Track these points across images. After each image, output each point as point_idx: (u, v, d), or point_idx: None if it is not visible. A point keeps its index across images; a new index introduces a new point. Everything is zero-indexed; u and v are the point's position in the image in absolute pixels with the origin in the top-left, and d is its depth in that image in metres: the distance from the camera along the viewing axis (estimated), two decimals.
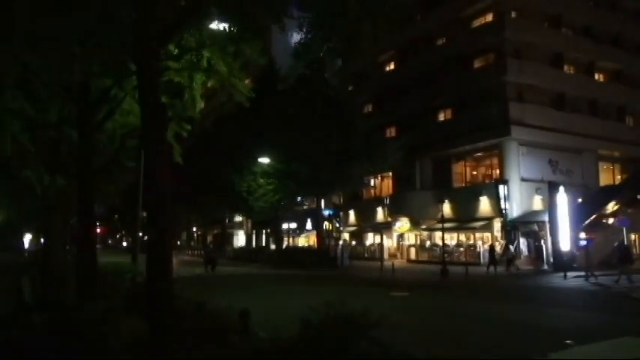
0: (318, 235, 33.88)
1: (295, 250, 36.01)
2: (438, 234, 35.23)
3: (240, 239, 62.56)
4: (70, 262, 14.90)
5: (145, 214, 10.23)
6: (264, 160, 31.94)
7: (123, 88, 10.81)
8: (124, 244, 78.10)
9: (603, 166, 34.99)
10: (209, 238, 60.54)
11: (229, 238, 56.82)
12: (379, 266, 31.68)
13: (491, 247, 26.94)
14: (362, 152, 29.55)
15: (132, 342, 6.11)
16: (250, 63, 10.50)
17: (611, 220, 31.64)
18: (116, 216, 61.44)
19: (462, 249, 31.48)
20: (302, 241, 50.31)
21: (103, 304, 8.29)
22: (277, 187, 33.45)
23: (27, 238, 48.62)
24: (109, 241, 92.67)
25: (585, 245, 26.44)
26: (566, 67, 33.25)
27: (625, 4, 36.89)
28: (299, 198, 37.93)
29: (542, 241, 27.81)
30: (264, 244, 54.09)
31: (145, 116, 6.87)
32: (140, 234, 19.30)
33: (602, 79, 35.38)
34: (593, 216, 28.08)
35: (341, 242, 35.26)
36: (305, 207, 46.18)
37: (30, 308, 8.65)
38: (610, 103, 34.68)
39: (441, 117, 35.95)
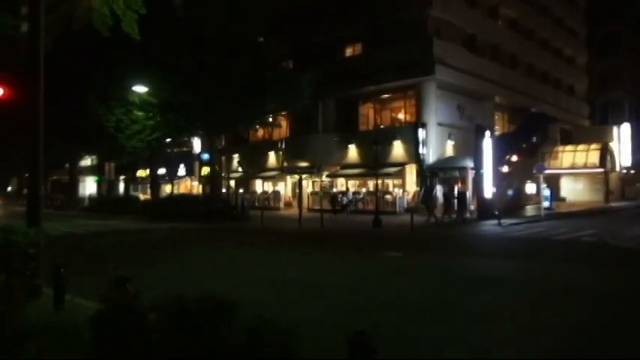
0: (211, 181, 28.43)
1: (181, 198, 30.06)
2: (341, 181, 32.72)
3: (87, 187, 52.81)
4: None
5: None
6: (142, 88, 24.98)
7: None
8: None
9: (496, 115, 35.45)
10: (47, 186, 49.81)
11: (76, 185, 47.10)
12: (283, 216, 28.04)
13: (334, 196, 28.28)
14: (273, 85, 24.70)
15: None
16: None
17: (505, 168, 32.33)
18: None
19: (369, 197, 29.19)
20: (169, 190, 43.87)
21: None
22: (159, 123, 26.91)
23: None
24: None
25: (514, 193, 26.22)
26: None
27: None
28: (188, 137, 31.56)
29: (456, 188, 26.80)
30: (120, 192, 46.15)
31: None
32: None
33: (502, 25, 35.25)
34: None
35: (240, 190, 30.41)
36: (175, 150, 39.73)
37: None
38: (506, 51, 34.83)
39: (349, 52, 32.44)
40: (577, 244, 15.12)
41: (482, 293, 8.13)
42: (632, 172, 41.06)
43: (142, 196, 41.52)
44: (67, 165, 43.38)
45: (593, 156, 36.64)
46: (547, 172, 37.36)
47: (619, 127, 41.12)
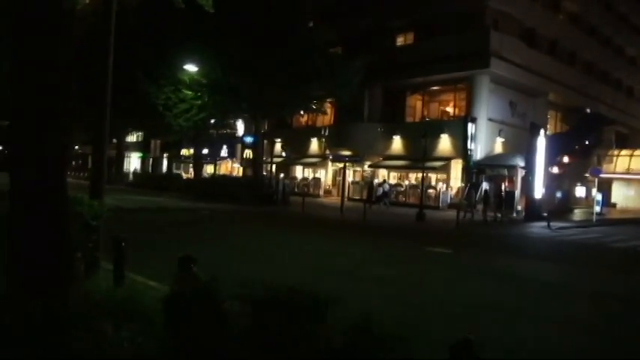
0: (255, 164, 28.53)
1: (224, 180, 30.33)
2: (382, 172, 32.23)
3: (132, 163, 54.16)
4: None
5: None
6: (192, 68, 25.14)
7: None
8: None
9: (549, 113, 34.06)
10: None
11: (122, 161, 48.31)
12: (323, 203, 27.86)
13: (371, 184, 28.28)
14: (321, 71, 24.37)
15: None
16: None
17: (555, 169, 31.04)
18: None
19: (411, 190, 28.62)
20: (210, 170, 44.45)
21: None
22: (207, 103, 27.09)
23: None
24: None
25: (563, 196, 25.18)
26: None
27: None
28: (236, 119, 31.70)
29: (504, 187, 25.90)
30: (163, 170, 47.09)
31: None
32: None
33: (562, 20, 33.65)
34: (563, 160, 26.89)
35: (281, 175, 30.45)
36: (218, 132, 40.04)
37: None
38: (566, 47, 33.28)
39: (400, 41, 31.71)
40: (637, 252, 14.32)
41: (549, 298, 7.69)
42: None
43: (184, 175, 42.29)
44: (115, 140, 44.47)
45: None
46: (601, 176, 35.82)
47: None
